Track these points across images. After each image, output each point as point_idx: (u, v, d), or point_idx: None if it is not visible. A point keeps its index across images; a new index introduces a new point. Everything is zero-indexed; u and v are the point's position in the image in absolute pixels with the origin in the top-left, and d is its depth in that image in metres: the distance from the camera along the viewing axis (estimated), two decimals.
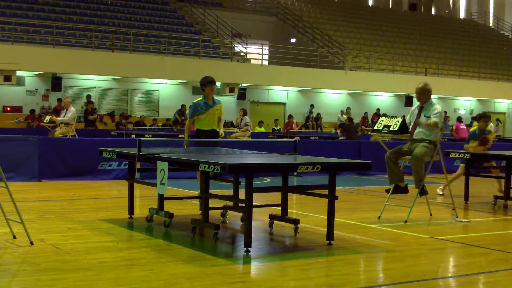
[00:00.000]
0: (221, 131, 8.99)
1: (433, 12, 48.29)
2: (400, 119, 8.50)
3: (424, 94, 8.45)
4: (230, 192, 8.25)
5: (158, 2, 30.74)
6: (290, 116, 26.37)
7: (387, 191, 8.73)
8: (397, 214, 8.83)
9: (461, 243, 7.13)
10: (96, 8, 28.39)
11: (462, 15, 48.57)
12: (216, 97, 8.99)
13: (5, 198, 6.47)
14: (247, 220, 6.16)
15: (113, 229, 7.36)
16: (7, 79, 22.91)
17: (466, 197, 10.50)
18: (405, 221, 8.24)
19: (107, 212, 8.71)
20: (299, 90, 30.28)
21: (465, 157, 10.53)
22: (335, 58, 31.21)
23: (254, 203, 6.21)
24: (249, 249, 6.16)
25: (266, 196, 9.58)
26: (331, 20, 35.29)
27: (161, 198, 7.65)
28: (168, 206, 8.11)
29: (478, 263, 6.30)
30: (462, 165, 11.54)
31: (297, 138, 11.38)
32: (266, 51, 30.98)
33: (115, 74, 25.58)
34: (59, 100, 22.96)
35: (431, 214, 9.01)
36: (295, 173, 13.55)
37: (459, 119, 24.28)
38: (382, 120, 8.77)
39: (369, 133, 21.22)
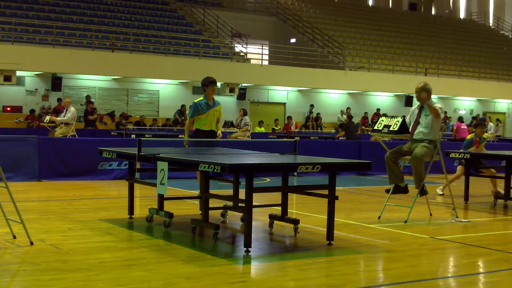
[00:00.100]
0: (219, 131, 9.01)
1: (433, 12, 48.31)
2: (400, 119, 8.50)
3: (424, 94, 8.43)
4: (230, 192, 8.25)
5: (158, 2, 30.74)
6: (289, 118, 26.35)
7: (387, 191, 8.73)
8: (397, 214, 8.83)
9: (461, 243, 7.12)
10: (96, 8, 28.39)
11: (462, 15, 48.58)
12: (215, 98, 9.01)
13: (5, 198, 6.47)
14: (247, 220, 6.16)
15: (113, 229, 7.36)
16: (7, 79, 22.91)
17: (466, 197, 10.50)
18: (405, 221, 8.24)
19: (107, 212, 8.71)
20: (299, 90, 30.28)
21: (465, 157, 10.53)
22: (335, 58, 31.22)
23: (254, 203, 6.21)
24: (249, 249, 6.16)
25: (266, 196, 9.58)
26: (331, 20, 35.29)
27: (161, 198, 7.65)
28: (168, 206, 8.11)
29: (478, 263, 6.30)
30: (459, 167, 11.55)
31: (297, 138, 11.37)
32: (266, 51, 30.99)
33: (115, 74, 25.58)
34: (59, 100, 22.97)
35: (431, 214, 9.01)
36: (295, 173, 13.55)
37: (460, 119, 24.32)
38: (382, 120, 8.77)
39: (369, 133, 21.19)
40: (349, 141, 18.14)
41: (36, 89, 25.15)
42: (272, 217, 7.51)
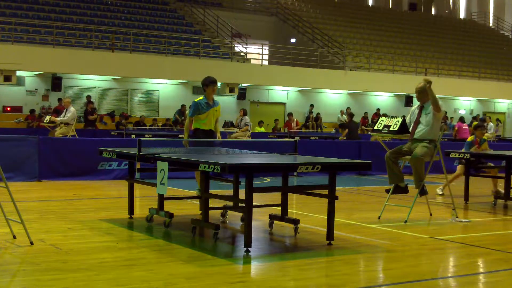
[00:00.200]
0: (219, 134, 9.04)
1: (433, 12, 48.31)
2: (400, 119, 8.50)
3: (424, 93, 8.44)
4: (230, 192, 8.25)
5: (158, 2, 30.74)
6: (290, 114, 26.28)
7: (387, 191, 8.73)
8: (397, 214, 8.83)
9: (461, 243, 7.12)
10: (96, 8, 28.39)
11: (462, 15, 48.58)
12: (215, 98, 9.02)
13: (5, 198, 6.47)
14: (247, 220, 6.16)
15: (113, 229, 7.36)
16: (7, 79, 22.90)
17: (466, 197, 10.50)
18: (405, 221, 8.24)
19: (107, 212, 8.71)
20: (299, 90, 30.28)
21: (465, 157, 10.53)
22: (335, 58, 31.22)
23: (254, 203, 6.21)
24: (249, 249, 6.16)
25: (266, 196, 9.58)
26: (331, 20, 35.29)
27: (161, 198, 7.65)
28: (168, 206, 8.11)
29: (478, 263, 6.30)
30: (459, 166, 11.56)
31: (297, 138, 11.38)
32: (266, 51, 30.99)
33: (115, 74, 25.58)
34: (60, 100, 22.97)
35: (431, 214, 9.01)
36: (295, 173, 13.55)
37: (462, 119, 24.36)
38: (382, 120, 8.77)
39: (369, 133, 21.14)
40: (349, 141, 18.12)
41: (36, 89, 25.15)
42: (272, 217, 7.51)
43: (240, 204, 7.17)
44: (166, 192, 6.95)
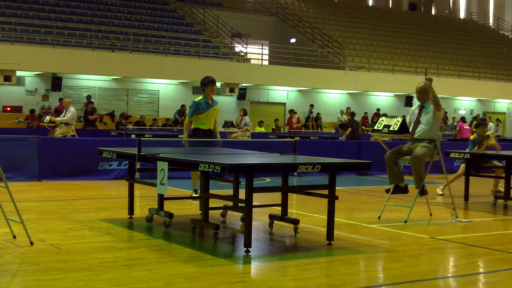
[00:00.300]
0: (218, 134, 9.07)
1: (433, 12, 48.31)
2: (400, 119, 8.50)
3: (424, 93, 8.44)
4: (230, 192, 8.25)
5: (158, 2, 30.74)
6: (291, 111, 26.07)
7: (387, 191, 8.73)
8: (397, 214, 8.83)
9: (461, 243, 7.12)
10: (96, 8, 28.39)
11: (462, 15, 48.58)
12: (214, 98, 9.04)
13: (5, 198, 6.47)
14: (247, 220, 6.15)
15: (113, 229, 7.35)
16: (7, 79, 22.91)
17: (466, 197, 10.50)
18: (405, 221, 8.24)
19: (107, 212, 8.71)
20: (299, 90, 30.28)
21: (465, 157, 10.53)
22: (335, 58, 31.22)
23: (254, 203, 6.21)
24: (249, 249, 6.16)
25: (266, 196, 9.58)
26: (331, 20, 35.29)
27: (161, 198, 7.65)
28: (168, 206, 8.11)
29: (478, 263, 6.30)
30: (463, 165, 11.57)
31: (297, 138, 11.38)
32: (266, 51, 30.99)
33: (115, 74, 25.58)
34: (61, 100, 22.97)
35: (431, 214, 9.01)
36: (295, 173, 13.55)
37: (463, 119, 24.38)
38: (382, 120, 8.77)
39: (369, 133, 21.10)
40: (349, 141, 18.11)
41: (36, 89, 25.14)
42: (272, 217, 7.51)
43: (240, 204, 7.17)
44: (166, 192, 6.95)
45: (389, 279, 5.58)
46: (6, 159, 11.28)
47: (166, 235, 7.14)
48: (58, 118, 16.62)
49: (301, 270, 5.69)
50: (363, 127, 28.81)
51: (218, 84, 26.57)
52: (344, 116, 28.58)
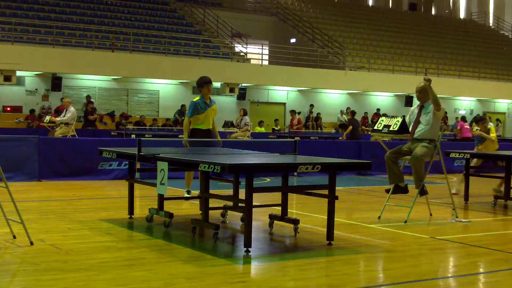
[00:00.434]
0: (217, 134, 9.09)
1: (433, 12, 48.31)
2: (400, 119, 8.50)
3: (424, 93, 8.43)
4: (230, 192, 8.25)
5: (158, 2, 30.74)
6: (292, 111, 25.96)
7: (387, 191, 8.73)
8: (397, 214, 8.83)
9: (461, 243, 7.12)
10: (96, 8, 28.39)
11: (462, 15, 48.58)
12: (213, 97, 9.08)
13: (5, 198, 6.47)
14: (247, 220, 6.15)
15: (113, 229, 7.36)
16: (7, 79, 22.91)
17: (466, 197, 10.50)
18: (405, 221, 8.24)
19: (107, 212, 8.71)
20: (299, 90, 30.28)
21: (465, 157, 10.54)
22: (335, 58, 31.22)
23: (254, 203, 6.21)
24: (249, 249, 6.16)
25: (266, 196, 9.58)
26: (331, 20, 35.29)
27: (161, 198, 7.65)
28: (168, 206, 8.11)
29: (478, 263, 6.30)
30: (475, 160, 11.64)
31: (297, 138, 11.38)
32: (266, 51, 30.99)
33: (115, 74, 25.58)
34: (62, 100, 22.97)
35: (431, 214, 9.01)
36: (295, 173, 13.55)
37: (463, 119, 24.39)
38: (382, 120, 8.77)
39: (369, 133, 21.10)
40: (349, 141, 18.11)
41: (36, 89, 25.14)
42: (272, 217, 7.51)
43: (240, 204, 7.17)
44: (166, 192, 6.95)
45: (389, 279, 5.58)
46: (6, 159, 11.29)
47: (166, 235, 7.14)
48: (58, 118, 16.62)
49: (301, 270, 5.69)
50: (363, 127, 28.82)
51: (218, 84, 26.63)
52: (344, 116, 28.58)
